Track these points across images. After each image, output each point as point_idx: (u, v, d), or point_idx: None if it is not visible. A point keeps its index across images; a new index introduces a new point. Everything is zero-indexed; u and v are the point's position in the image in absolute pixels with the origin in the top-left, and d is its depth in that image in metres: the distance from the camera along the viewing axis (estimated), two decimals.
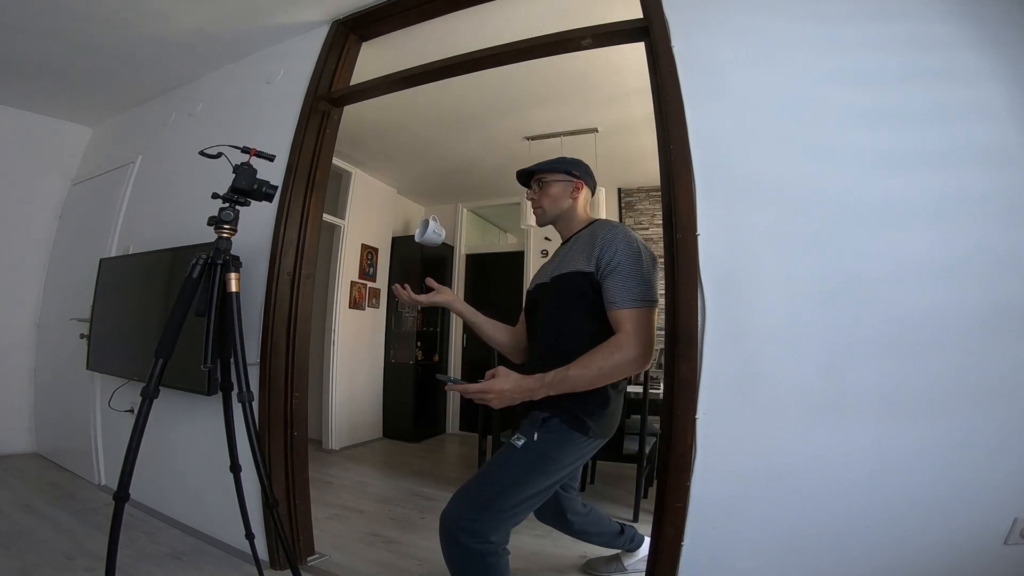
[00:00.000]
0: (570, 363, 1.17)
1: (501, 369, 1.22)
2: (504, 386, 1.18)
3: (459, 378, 1.30)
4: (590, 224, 1.42)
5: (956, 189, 1.19)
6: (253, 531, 1.68)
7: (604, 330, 1.23)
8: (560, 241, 1.50)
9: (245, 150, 1.59)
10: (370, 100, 2.20)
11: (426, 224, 1.57)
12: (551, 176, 1.44)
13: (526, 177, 1.50)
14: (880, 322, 1.19)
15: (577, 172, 1.44)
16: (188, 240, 2.17)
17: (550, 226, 1.49)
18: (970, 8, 1.27)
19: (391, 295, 4.67)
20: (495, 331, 1.55)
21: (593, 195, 1.51)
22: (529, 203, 1.51)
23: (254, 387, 1.89)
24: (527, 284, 5.00)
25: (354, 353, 4.23)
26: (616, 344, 1.17)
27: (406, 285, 1.46)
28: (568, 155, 1.52)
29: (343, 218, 4.12)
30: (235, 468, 1.60)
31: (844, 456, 1.19)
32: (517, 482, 1.19)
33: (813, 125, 1.34)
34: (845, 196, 1.27)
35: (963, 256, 1.16)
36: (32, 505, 2.30)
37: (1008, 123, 1.18)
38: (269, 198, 1.60)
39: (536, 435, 1.21)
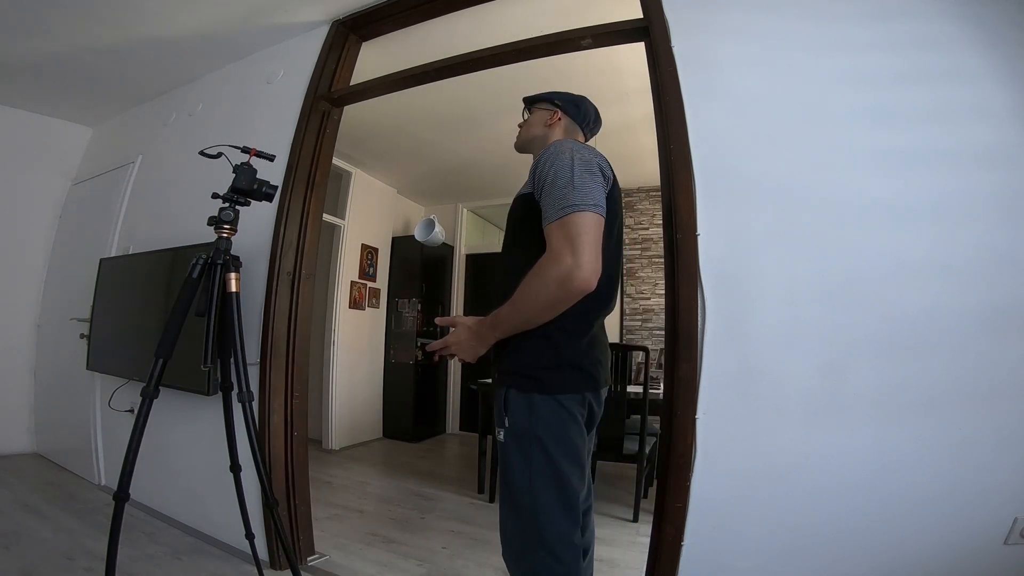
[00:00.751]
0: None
1: (458, 319, 1.14)
2: (460, 336, 1.10)
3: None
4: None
5: (956, 189, 1.19)
6: (253, 531, 1.68)
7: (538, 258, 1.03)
8: None
9: (245, 150, 1.59)
10: (370, 100, 2.20)
11: (431, 224, 1.56)
12: (541, 103, 1.32)
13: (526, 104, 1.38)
14: (880, 322, 1.19)
15: (559, 101, 1.29)
16: (188, 240, 2.17)
17: None
18: (970, 8, 1.28)
19: (391, 295, 4.68)
20: None
21: (585, 136, 1.33)
22: None
23: (254, 387, 1.89)
24: None
25: (354, 353, 4.22)
26: (537, 267, 0.98)
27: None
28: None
29: (343, 218, 4.11)
30: (235, 468, 1.60)
31: (844, 456, 1.19)
32: (535, 471, 1.03)
33: (813, 125, 1.34)
34: (845, 196, 1.27)
35: (963, 256, 1.16)
36: (32, 505, 2.30)
37: (1008, 123, 1.18)
38: (269, 198, 1.60)
39: (507, 421, 1.07)
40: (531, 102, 1.35)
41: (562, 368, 1.07)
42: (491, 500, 2.78)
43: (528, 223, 1.07)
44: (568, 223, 0.96)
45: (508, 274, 1.10)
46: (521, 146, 1.35)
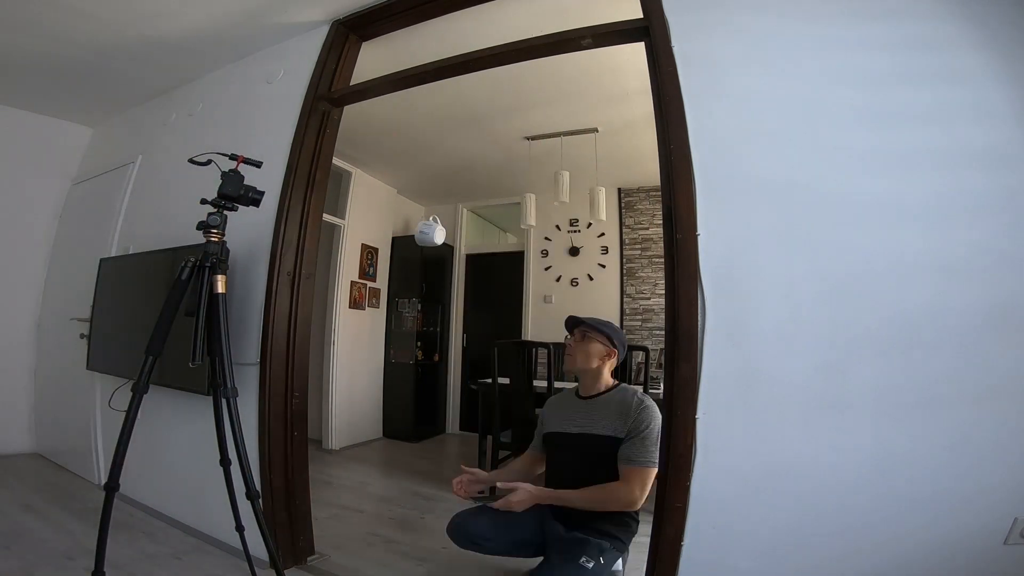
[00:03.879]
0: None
1: (521, 485, 1.54)
2: (522, 497, 1.53)
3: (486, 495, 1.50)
4: (614, 388, 1.68)
5: (956, 188, 1.19)
6: (243, 523, 1.68)
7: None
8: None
9: (232, 157, 1.63)
10: (370, 100, 2.20)
11: (434, 224, 1.58)
12: (595, 333, 1.67)
13: (573, 324, 1.71)
14: (880, 321, 1.19)
15: (616, 344, 1.67)
16: (188, 240, 2.16)
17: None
18: (970, 8, 1.28)
19: (391, 295, 4.68)
20: (524, 468, 1.84)
21: (616, 366, 1.72)
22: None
23: (254, 388, 1.90)
24: (527, 285, 4.98)
25: (354, 353, 4.22)
26: (615, 487, 1.49)
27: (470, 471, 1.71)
28: (605, 318, 1.76)
29: (343, 218, 4.12)
30: (224, 462, 1.62)
31: (844, 455, 1.19)
32: None
33: (813, 124, 1.34)
34: (845, 195, 1.27)
35: (962, 255, 1.16)
36: (32, 505, 2.30)
37: (1008, 123, 1.18)
38: (256, 203, 1.65)
39: (602, 559, 1.45)
40: (581, 326, 1.68)
41: (631, 538, 1.58)
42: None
43: (610, 460, 1.54)
44: (647, 473, 1.48)
45: (583, 478, 1.54)
46: (578, 370, 1.70)
